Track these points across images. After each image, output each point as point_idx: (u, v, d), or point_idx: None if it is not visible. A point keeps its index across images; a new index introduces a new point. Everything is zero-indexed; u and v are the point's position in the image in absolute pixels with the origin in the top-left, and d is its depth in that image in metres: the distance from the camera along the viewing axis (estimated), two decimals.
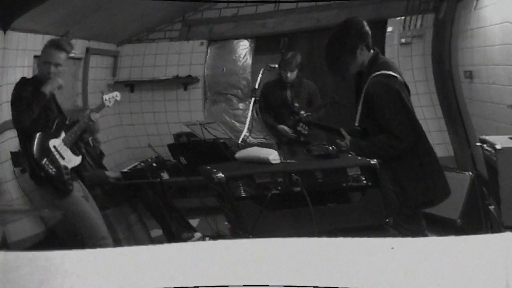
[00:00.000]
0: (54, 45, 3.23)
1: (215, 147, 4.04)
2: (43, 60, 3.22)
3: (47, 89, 3.13)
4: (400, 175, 2.58)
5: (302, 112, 4.01)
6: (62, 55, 3.22)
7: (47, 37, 3.80)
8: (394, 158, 2.58)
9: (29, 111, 3.08)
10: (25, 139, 3.17)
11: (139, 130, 5.56)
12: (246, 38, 5.52)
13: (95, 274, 1.35)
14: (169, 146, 4.50)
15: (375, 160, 2.82)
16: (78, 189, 3.28)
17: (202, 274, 1.31)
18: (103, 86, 5.29)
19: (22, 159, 3.35)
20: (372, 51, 2.66)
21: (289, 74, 4.18)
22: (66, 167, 3.23)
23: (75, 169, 3.30)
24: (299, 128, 3.96)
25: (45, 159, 3.16)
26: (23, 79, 3.26)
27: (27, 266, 1.39)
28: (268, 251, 1.39)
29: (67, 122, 3.31)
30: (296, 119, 3.63)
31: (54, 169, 3.17)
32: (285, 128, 4.19)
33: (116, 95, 3.54)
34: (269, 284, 1.26)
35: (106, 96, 3.48)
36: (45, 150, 3.17)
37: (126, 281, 1.32)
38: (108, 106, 3.50)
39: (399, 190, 2.59)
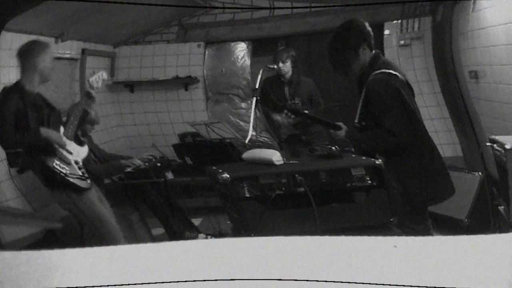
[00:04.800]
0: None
1: (221, 147, 4.00)
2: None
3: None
4: (403, 173, 2.58)
5: (290, 102, 3.98)
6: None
7: (42, 38, 3.76)
8: (396, 155, 2.59)
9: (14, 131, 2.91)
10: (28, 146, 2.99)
11: (142, 130, 5.56)
12: (243, 40, 5.53)
13: (94, 271, 1.33)
14: (174, 146, 4.47)
15: (380, 160, 2.79)
16: (93, 191, 3.19)
17: (202, 270, 1.28)
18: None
19: (25, 162, 3.17)
20: (373, 51, 2.67)
21: (281, 65, 4.11)
22: (77, 162, 3.11)
23: (86, 162, 3.18)
24: (283, 115, 3.93)
25: (54, 161, 3.01)
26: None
27: (25, 264, 1.37)
28: (270, 248, 1.37)
29: (63, 117, 3.16)
30: (281, 105, 3.57)
31: (66, 167, 3.04)
32: (279, 118, 4.16)
33: (102, 74, 3.31)
34: (270, 278, 1.24)
35: (91, 79, 3.25)
36: (50, 151, 3.01)
37: (125, 278, 1.30)
38: (97, 87, 3.26)
39: (402, 187, 2.59)
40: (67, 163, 3.07)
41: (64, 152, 3.06)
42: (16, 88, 3.03)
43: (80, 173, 3.10)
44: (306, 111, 3.75)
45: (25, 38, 3.76)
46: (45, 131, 3.00)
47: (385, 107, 2.54)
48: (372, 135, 2.63)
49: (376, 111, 2.57)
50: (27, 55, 3.08)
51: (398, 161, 2.60)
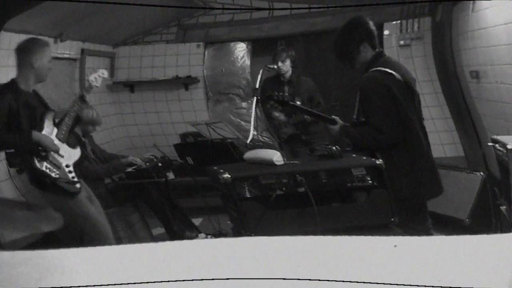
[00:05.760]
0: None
1: (223, 147, 4.00)
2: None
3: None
4: (391, 169, 2.59)
5: (277, 92, 3.95)
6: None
7: (41, 37, 3.73)
8: (386, 152, 2.60)
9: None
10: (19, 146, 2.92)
11: (142, 130, 5.56)
12: (242, 41, 5.54)
13: (94, 271, 1.32)
14: (176, 146, 4.46)
15: (381, 160, 2.79)
16: (82, 190, 3.11)
17: (202, 270, 1.28)
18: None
19: (19, 161, 3.06)
20: (376, 50, 2.68)
21: (280, 64, 4.11)
22: (68, 165, 3.05)
23: (77, 164, 3.11)
24: (268, 106, 3.90)
25: (44, 164, 2.94)
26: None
27: (25, 264, 1.36)
28: (270, 248, 1.36)
29: (56, 118, 3.07)
30: (266, 95, 3.52)
31: (56, 171, 2.98)
32: (280, 115, 4.15)
33: (103, 72, 3.21)
34: (270, 278, 1.24)
35: (91, 77, 3.15)
36: (42, 153, 2.93)
37: (125, 278, 1.29)
38: (96, 86, 3.16)
39: (389, 184, 2.61)
40: (58, 166, 2.99)
41: (56, 155, 2.99)
42: (11, 86, 2.97)
43: (70, 177, 3.02)
44: (298, 103, 3.72)
45: (24, 38, 3.75)
46: (37, 135, 2.93)
47: (373, 104, 2.58)
48: (362, 132, 2.66)
49: (365, 109, 2.62)
50: (24, 53, 3.02)
51: (385, 158, 2.63)
